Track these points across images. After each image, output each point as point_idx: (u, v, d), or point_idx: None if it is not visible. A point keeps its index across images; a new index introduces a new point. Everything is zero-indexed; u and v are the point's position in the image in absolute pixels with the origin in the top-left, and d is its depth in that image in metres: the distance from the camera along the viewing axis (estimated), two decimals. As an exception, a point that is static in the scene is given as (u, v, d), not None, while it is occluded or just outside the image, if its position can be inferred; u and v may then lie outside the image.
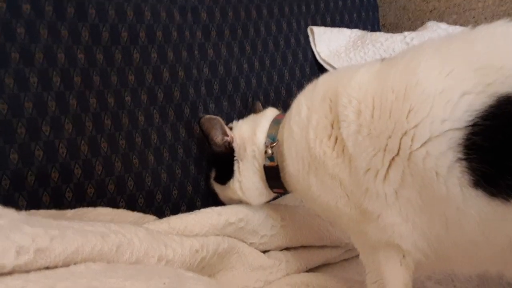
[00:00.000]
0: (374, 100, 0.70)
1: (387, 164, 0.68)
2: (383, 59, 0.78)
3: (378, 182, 0.69)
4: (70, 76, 0.94)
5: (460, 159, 0.59)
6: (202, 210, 0.95)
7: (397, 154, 0.66)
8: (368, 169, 0.70)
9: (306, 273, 1.04)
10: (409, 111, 0.64)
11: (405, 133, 0.64)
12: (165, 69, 1.09)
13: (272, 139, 0.94)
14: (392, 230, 0.71)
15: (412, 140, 0.64)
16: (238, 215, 0.96)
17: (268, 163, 0.94)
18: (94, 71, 0.98)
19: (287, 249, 1.06)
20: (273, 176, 0.94)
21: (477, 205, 0.60)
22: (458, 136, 0.59)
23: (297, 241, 1.05)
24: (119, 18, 1.02)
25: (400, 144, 0.65)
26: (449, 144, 0.60)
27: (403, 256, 0.73)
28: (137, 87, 1.04)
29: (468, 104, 0.59)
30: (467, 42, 0.66)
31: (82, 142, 0.95)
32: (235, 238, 0.97)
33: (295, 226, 1.05)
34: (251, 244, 1.00)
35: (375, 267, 0.80)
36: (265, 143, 0.95)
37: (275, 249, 1.04)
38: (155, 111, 1.07)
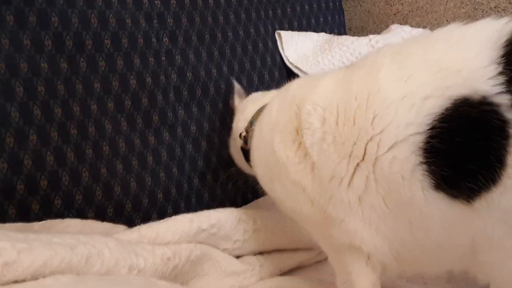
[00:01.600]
0: (338, 107, 0.70)
1: (351, 170, 0.68)
2: (348, 66, 0.78)
3: (342, 189, 0.69)
4: (34, 86, 0.92)
5: (421, 162, 0.60)
6: (174, 217, 0.94)
7: (362, 159, 0.66)
8: (333, 177, 0.70)
9: (280, 277, 1.04)
10: (374, 118, 0.64)
11: (371, 139, 0.65)
12: (131, 76, 1.08)
13: (251, 124, 0.98)
14: (354, 235, 0.71)
15: (378, 145, 0.64)
16: (210, 221, 0.96)
17: (243, 145, 1.01)
18: (59, 80, 0.96)
19: (260, 253, 1.05)
20: (246, 157, 1.00)
21: (440, 208, 0.60)
22: (419, 140, 0.60)
23: (270, 245, 1.05)
24: (83, 25, 1.00)
25: (365, 150, 0.66)
26: (411, 148, 0.60)
27: (368, 257, 0.73)
28: (103, 95, 1.03)
29: (429, 107, 0.59)
30: (425, 45, 0.67)
31: (48, 152, 0.93)
32: (207, 244, 0.96)
33: (268, 230, 1.05)
34: (224, 250, 1.00)
35: (343, 268, 0.80)
36: (245, 128, 1.01)
37: (248, 254, 1.04)
38: (122, 119, 1.06)
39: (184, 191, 1.17)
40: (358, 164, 0.67)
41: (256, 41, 1.40)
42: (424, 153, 0.60)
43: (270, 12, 1.47)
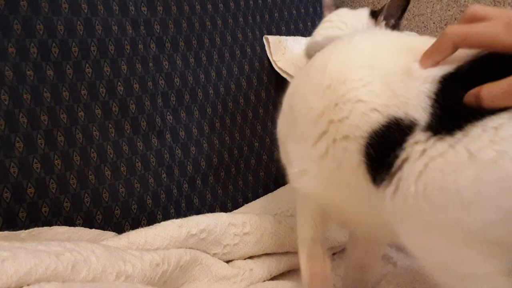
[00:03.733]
0: (315, 75, 0.74)
1: (316, 135, 0.72)
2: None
3: (308, 146, 0.74)
4: (19, 94, 0.92)
5: (362, 160, 0.66)
6: (163, 223, 0.94)
7: (327, 132, 0.71)
8: (302, 133, 0.76)
9: (271, 281, 1.04)
10: (336, 104, 0.68)
11: (332, 121, 0.69)
12: (119, 83, 1.08)
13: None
14: (295, 177, 0.78)
15: (336, 130, 0.68)
16: (200, 226, 0.96)
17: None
18: (45, 87, 0.96)
19: (250, 257, 1.05)
20: None
21: (372, 193, 0.65)
22: (362, 143, 0.65)
23: (260, 249, 1.05)
24: (68, 33, 1.00)
25: (328, 127, 0.70)
26: (358, 147, 0.65)
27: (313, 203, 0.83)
28: (90, 102, 1.03)
29: (372, 120, 0.63)
30: (396, 50, 0.67)
31: (34, 160, 0.93)
32: (197, 249, 0.96)
33: (258, 234, 1.05)
34: (214, 254, 0.99)
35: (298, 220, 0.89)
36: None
37: (238, 259, 1.04)
38: (110, 125, 1.06)
39: (173, 196, 1.17)
40: (324, 133, 0.71)
41: (244, 46, 1.41)
42: (363, 154, 0.65)
43: (258, 17, 1.47)
